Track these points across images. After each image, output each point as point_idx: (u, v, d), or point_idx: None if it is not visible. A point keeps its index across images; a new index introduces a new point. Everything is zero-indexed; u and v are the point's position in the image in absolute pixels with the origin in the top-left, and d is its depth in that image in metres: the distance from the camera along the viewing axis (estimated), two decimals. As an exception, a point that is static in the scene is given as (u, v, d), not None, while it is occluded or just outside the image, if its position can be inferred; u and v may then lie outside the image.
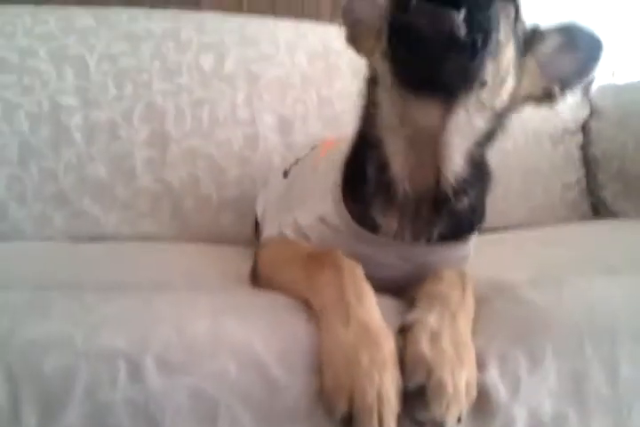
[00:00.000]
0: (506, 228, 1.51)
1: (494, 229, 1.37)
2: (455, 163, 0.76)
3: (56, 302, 0.68)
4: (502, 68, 0.72)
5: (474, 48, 0.64)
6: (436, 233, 0.81)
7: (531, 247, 1.17)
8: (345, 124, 1.51)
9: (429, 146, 0.75)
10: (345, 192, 0.83)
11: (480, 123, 0.75)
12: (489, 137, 0.79)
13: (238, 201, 1.50)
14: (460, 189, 0.78)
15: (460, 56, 0.65)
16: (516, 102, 0.80)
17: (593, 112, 1.75)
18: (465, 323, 0.68)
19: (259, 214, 1.29)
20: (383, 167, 0.78)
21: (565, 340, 0.70)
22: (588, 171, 1.74)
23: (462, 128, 0.74)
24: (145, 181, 1.45)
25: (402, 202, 0.79)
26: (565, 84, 0.84)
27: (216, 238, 1.47)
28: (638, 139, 1.59)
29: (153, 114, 1.48)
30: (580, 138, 1.75)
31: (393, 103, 0.75)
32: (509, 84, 0.75)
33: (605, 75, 1.89)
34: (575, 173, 1.72)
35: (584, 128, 1.76)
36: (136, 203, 1.45)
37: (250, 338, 0.65)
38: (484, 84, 0.70)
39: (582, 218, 1.69)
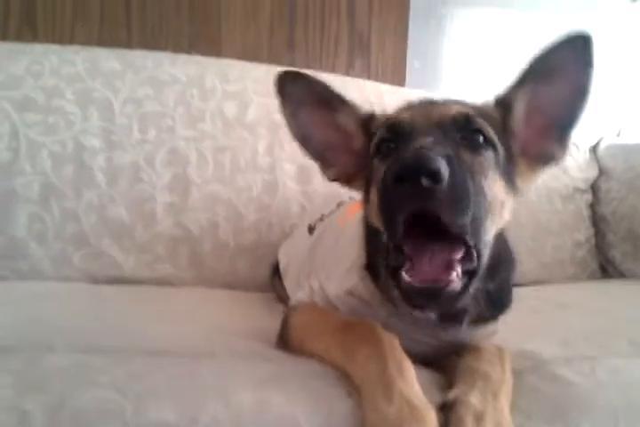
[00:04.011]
0: (517, 285, 1.53)
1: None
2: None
3: (104, 369, 0.68)
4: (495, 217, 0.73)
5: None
6: (466, 320, 0.80)
7: (548, 311, 1.18)
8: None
9: None
10: (369, 271, 0.84)
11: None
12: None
13: (255, 247, 1.52)
14: (485, 279, 0.77)
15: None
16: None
17: (602, 172, 1.80)
18: (506, 401, 0.70)
19: (281, 264, 1.30)
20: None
21: (601, 419, 0.72)
22: (598, 230, 1.78)
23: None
24: (164, 225, 1.47)
25: None
26: (564, 131, 0.81)
27: (232, 283, 1.48)
28: (647, 200, 1.63)
29: (175, 159, 1.51)
30: (589, 197, 1.80)
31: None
32: (506, 206, 0.76)
33: (611, 134, 1.93)
34: (585, 232, 1.76)
35: (593, 187, 1.81)
36: (155, 246, 1.46)
37: (293, 412, 0.66)
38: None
39: (591, 276, 1.72)
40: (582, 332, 0.98)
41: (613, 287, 1.54)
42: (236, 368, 0.72)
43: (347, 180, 0.88)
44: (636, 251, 1.63)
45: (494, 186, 0.73)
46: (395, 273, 0.70)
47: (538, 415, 0.71)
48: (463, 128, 0.73)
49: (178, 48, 1.89)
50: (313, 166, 1.56)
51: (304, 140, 0.86)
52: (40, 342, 0.75)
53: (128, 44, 1.93)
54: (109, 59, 1.58)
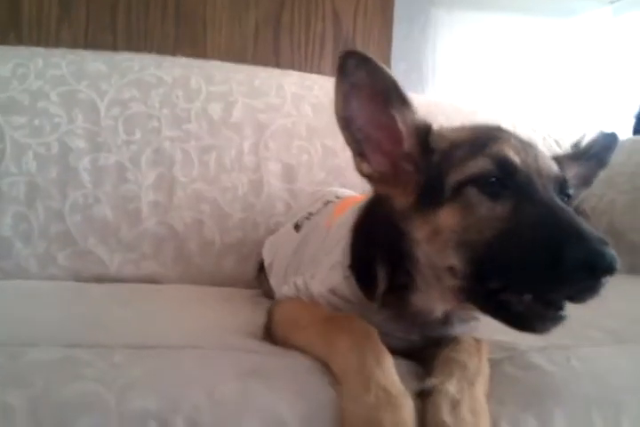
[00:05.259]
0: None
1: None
2: None
3: (87, 362, 0.69)
4: None
5: None
6: (454, 323, 0.84)
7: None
8: (348, 175, 1.58)
9: None
10: (353, 272, 0.85)
11: None
12: None
13: (240, 245, 1.54)
14: None
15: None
16: None
17: (582, 169, 1.82)
18: (482, 390, 0.71)
19: (266, 260, 1.32)
20: (399, 285, 0.81)
21: (574, 407, 0.74)
22: (578, 226, 1.79)
23: None
24: (149, 224, 1.48)
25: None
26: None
27: (217, 281, 1.50)
28: (625, 197, 1.67)
29: (161, 159, 1.52)
30: (569, 193, 1.82)
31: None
32: None
33: (593, 131, 1.96)
34: (566, 228, 1.77)
35: (573, 184, 1.83)
36: (140, 245, 1.47)
37: (275, 402, 0.67)
38: None
39: (572, 271, 1.74)
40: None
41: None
42: (219, 360, 0.73)
43: (380, 179, 0.83)
44: (617, 245, 1.62)
45: None
46: (490, 296, 0.71)
47: (512, 403, 0.73)
48: (560, 192, 0.76)
49: (163, 51, 1.90)
50: (298, 165, 1.62)
51: (345, 123, 0.80)
52: (23, 337, 0.76)
53: (114, 46, 1.95)
54: (95, 61, 1.60)
